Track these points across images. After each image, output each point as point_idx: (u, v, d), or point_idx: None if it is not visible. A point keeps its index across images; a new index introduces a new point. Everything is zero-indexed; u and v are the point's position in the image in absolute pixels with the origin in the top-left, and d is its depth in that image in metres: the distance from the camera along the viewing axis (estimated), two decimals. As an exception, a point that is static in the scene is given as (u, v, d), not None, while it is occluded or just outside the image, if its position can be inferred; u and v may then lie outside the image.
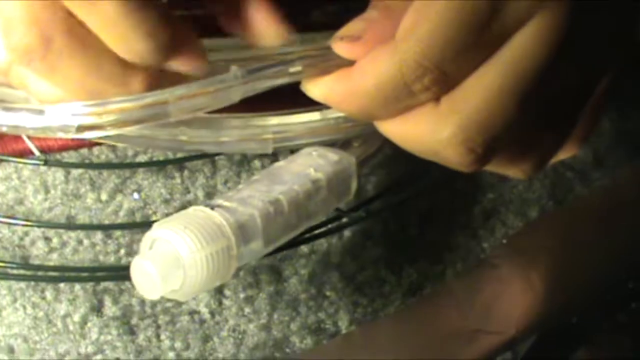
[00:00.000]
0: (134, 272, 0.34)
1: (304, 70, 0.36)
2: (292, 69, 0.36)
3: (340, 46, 0.36)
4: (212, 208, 0.35)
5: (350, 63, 0.36)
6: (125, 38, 0.33)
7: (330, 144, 0.41)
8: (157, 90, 0.34)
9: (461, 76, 0.34)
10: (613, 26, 0.36)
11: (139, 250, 0.35)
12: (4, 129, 0.35)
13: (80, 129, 0.34)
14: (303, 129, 0.41)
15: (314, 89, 0.37)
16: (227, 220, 0.35)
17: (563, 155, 0.40)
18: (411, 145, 0.36)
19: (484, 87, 0.34)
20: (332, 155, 0.40)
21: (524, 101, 0.34)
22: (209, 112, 0.37)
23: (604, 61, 0.37)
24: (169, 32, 0.33)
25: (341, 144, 0.41)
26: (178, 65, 0.35)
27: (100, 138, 0.37)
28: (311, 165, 0.39)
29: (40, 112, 0.34)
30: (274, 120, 0.41)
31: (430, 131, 0.35)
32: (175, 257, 0.33)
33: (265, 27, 0.38)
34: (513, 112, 0.34)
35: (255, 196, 0.37)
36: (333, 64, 0.36)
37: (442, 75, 0.33)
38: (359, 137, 0.42)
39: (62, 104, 0.34)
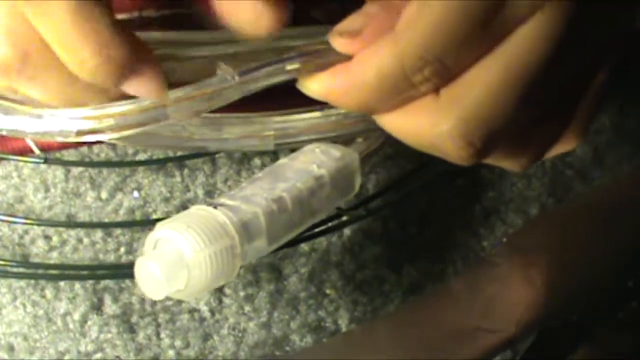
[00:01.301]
0: (138, 272, 0.34)
1: (301, 67, 0.36)
2: (289, 67, 0.36)
3: (339, 42, 0.35)
4: (215, 207, 0.35)
5: (348, 59, 0.35)
6: (76, 50, 0.32)
7: (333, 141, 0.41)
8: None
9: (462, 69, 0.34)
10: (613, 20, 0.36)
11: (142, 249, 0.35)
12: (4, 133, 0.35)
13: (80, 133, 0.34)
14: (304, 126, 0.41)
15: (311, 85, 0.36)
16: (230, 219, 0.35)
17: (561, 149, 0.39)
18: (411, 138, 0.36)
19: (485, 80, 0.34)
20: (335, 152, 0.40)
21: (525, 95, 0.34)
22: (211, 112, 0.37)
23: (603, 55, 0.37)
24: (124, 50, 0.33)
25: (344, 140, 0.41)
26: (133, 87, 0.34)
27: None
28: (314, 162, 0.39)
29: (39, 116, 0.35)
30: (276, 118, 0.41)
31: (429, 124, 0.35)
32: (179, 257, 0.33)
33: (254, 15, 0.35)
34: (513, 106, 0.34)
35: (259, 194, 0.37)
36: (330, 60, 0.36)
37: (443, 67, 0.33)
38: (361, 133, 0.42)
39: (61, 110, 0.34)
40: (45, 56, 0.33)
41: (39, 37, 0.33)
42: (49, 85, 0.34)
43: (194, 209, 0.35)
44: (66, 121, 0.34)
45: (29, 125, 0.35)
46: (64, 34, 0.32)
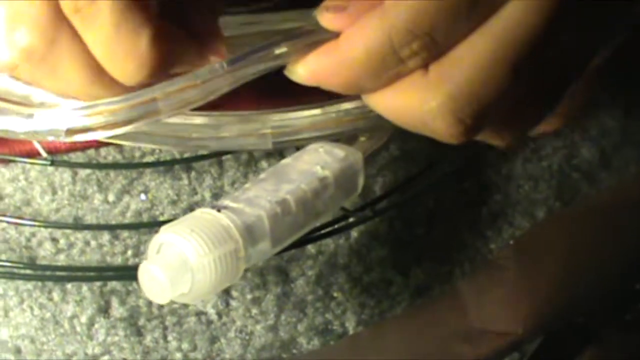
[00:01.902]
0: (142, 276, 0.33)
1: (289, 50, 0.35)
2: (277, 51, 0.35)
3: (325, 17, 0.35)
4: (219, 210, 0.35)
5: (336, 37, 0.35)
6: (117, 59, 0.33)
7: (336, 140, 0.41)
8: (144, 89, 0.34)
9: (451, 44, 0.33)
10: (609, 4, 0.36)
11: (147, 253, 0.35)
12: None
13: (70, 132, 0.34)
14: (303, 124, 0.40)
15: (298, 70, 0.35)
16: (234, 222, 0.34)
17: (546, 128, 0.39)
18: (400, 117, 0.35)
19: (475, 56, 0.33)
20: (339, 152, 0.40)
21: (515, 71, 0.33)
22: (207, 110, 0.37)
23: (597, 40, 0.36)
24: (162, 53, 0.33)
25: (347, 139, 0.41)
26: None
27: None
28: (318, 163, 0.39)
29: (30, 116, 0.34)
30: (274, 117, 0.40)
31: (418, 101, 0.34)
32: (183, 261, 0.33)
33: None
34: (504, 83, 0.33)
35: (262, 196, 0.36)
36: (319, 39, 0.35)
37: (432, 42, 0.33)
38: (362, 131, 0.41)
39: (51, 109, 0.34)
40: (72, 48, 0.33)
41: (71, 29, 0.33)
42: (72, 78, 0.34)
43: (197, 212, 0.35)
44: (56, 120, 0.34)
45: (20, 125, 0.34)
46: (108, 45, 0.32)
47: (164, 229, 0.34)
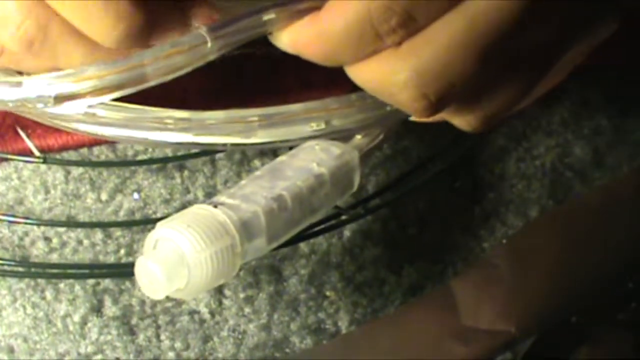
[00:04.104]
0: (138, 272, 0.34)
1: (277, 18, 0.35)
2: (265, 17, 0.35)
3: None
4: (215, 206, 0.35)
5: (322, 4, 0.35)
6: (94, 25, 0.33)
7: (332, 137, 0.41)
8: (132, 55, 0.34)
9: (427, 22, 0.34)
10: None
11: (142, 250, 0.35)
12: None
13: (59, 99, 0.34)
14: (290, 111, 0.40)
15: (282, 37, 0.36)
16: (230, 217, 0.35)
17: (508, 112, 0.39)
18: (373, 88, 0.36)
19: (446, 35, 0.34)
20: (335, 149, 0.40)
21: (485, 54, 0.34)
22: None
23: (573, 32, 0.37)
24: (142, 12, 0.34)
25: (343, 137, 0.41)
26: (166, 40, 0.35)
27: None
28: (314, 160, 0.39)
29: (18, 84, 0.35)
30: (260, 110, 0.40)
31: (388, 72, 0.35)
32: (180, 257, 0.33)
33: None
34: (472, 65, 0.34)
35: (258, 192, 0.37)
36: (306, 8, 0.35)
37: (410, 19, 0.33)
38: (361, 130, 0.41)
39: (39, 75, 0.34)
40: (64, 25, 0.34)
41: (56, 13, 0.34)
42: (72, 54, 0.35)
43: (194, 208, 0.35)
44: (44, 87, 0.34)
45: (9, 93, 0.35)
46: (80, 11, 0.33)
47: (160, 224, 0.34)
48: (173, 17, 0.36)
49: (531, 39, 0.35)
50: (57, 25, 0.34)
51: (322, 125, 0.40)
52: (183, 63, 0.35)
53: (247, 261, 0.36)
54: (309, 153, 0.40)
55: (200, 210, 0.35)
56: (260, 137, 0.40)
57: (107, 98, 0.35)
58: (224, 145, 0.40)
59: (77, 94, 0.34)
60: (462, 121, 0.38)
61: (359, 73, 0.36)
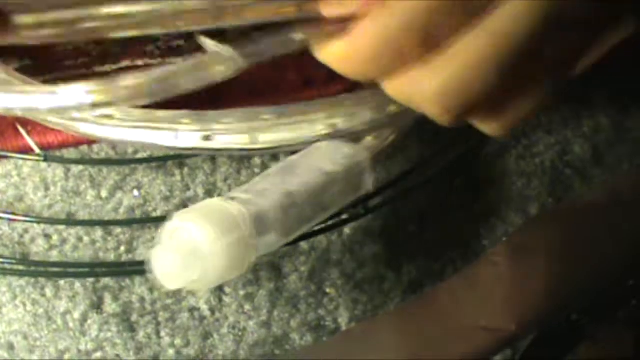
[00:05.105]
0: (154, 262, 0.34)
1: (308, 37, 0.36)
2: (297, 37, 0.36)
3: (328, 10, 0.36)
4: (229, 200, 0.36)
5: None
6: None
7: (343, 137, 0.41)
8: (165, 66, 0.35)
9: (448, 38, 0.35)
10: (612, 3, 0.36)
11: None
12: (19, 113, 0.35)
13: (95, 105, 0.34)
14: (299, 111, 0.41)
15: (318, 54, 0.37)
16: (243, 211, 0.35)
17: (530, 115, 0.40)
18: (401, 100, 0.37)
19: (467, 54, 0.34)
20: (346, 150, 0.41)
21: (506, 70, 0.35)
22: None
23: (599, 29, 0.37)
24: None
25: (355, 138, 0.42)
26: None
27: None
28: (325, 159, 0.40)
29: (52, 92, 0.35)
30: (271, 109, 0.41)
31: (415, 88, 0.36)
32: (196, 247, 0.34)
33: None
34: (493, 80, 0.35)
35: (271, 189, 0.37)
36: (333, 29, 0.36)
37: (429, 37, 0.34)
38: (372, 131, 0.42)
39: (73, 85, 0.34)
40: None
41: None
42: None
43: (208, 201, 0.36)
44: (81, 95, 0.34)
45: (44, 102, 0.35)
46: None
47: (176, 215, 0.35)
48: None
49: (555, 48, 0.36)
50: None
51: (337, 121, 0.41)
52: (212, 77, 0.35)
53: (259, 256, 0.37)
54: (321, 152, 0.41)
55: (215, 203, 0.36)
56: (271, 137, 0.41)
57: (139, 103, 0.35)
58: (240, 150, 0.41)
59: (110, 102, 0.34)
60: (487, 127, 0.39)
61: (389, 87, 0.37)
